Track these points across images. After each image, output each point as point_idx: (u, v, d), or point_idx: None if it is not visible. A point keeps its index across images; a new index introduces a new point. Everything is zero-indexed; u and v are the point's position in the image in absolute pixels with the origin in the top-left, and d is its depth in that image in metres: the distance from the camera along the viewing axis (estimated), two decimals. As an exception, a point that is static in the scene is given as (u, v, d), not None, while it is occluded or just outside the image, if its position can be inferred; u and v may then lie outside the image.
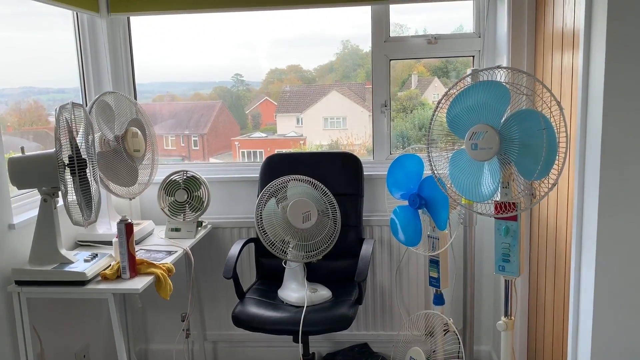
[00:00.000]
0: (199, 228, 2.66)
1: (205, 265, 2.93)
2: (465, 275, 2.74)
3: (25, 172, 1.97)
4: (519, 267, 1.98)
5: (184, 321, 2.88)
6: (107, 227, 2.53)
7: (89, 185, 2.05)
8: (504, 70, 1.84)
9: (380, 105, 2.85)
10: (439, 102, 1.99)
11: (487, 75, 1.87)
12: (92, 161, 2.05)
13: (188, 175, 2.65)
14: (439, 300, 2.54)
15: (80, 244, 2.51)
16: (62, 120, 1.94)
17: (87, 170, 2.04)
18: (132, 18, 2.88)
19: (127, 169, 2.48)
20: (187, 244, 2.53)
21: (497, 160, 1.83)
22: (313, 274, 2.62)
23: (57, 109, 1.95)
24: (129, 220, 2.08)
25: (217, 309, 2.98)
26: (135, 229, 2.55)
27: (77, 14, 2.74)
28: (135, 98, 2.97)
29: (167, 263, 2.22)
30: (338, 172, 2.72)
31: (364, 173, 2.78)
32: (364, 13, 2.76)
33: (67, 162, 1.93)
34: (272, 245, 2.44)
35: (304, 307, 2.35)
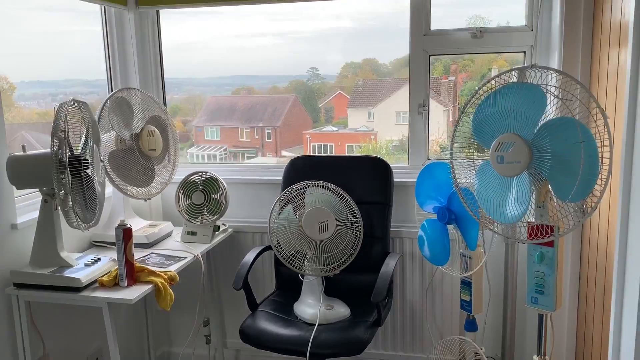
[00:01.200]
0: (216, 232, 2.53)
1: (227, 270, 2.81)
2: (505, 300, 2.45)
3: (25, 172, 1.91)
4: (554, 301, 1.70)
5: (205, 327, 2.78)
6: (121, 228, 2.45)
7: (92, 187, 1.96)
8: (539, 70, 1.55)
9: (418, 105, 2.59)
10: (466, 104, 1.73)
11: (532, 76, 1.58)
12: (92, 161, 1.96)
13: (207, 176, 2.52)
14: (471, 326, 2.27)
15: (95, 244, 2.45)
16: (61, 118, 1.85)
17: (89, 171, 1.96)
18: (182, 11, 2.74)
19: (142, 169, 2.39)
20: (203, 248, 2.41)
21: (527, 177, 1.55)
22: (333, 288, 2.42)
23: (56, 107, 1.86)
24: (128, 225, 1.97)
25: (239, 316, 2.85)
26: (152, 230, 2.46)
27: (104, 7, 2.67)
28: (164, 93, 2.88)
29: (170, 271, 2.09)
30: (365, 178, 2.50)
31: (396, 180, 2.55)
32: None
33: (67, 162, 1.84)
34: (287, 256, 2.27)
35: (311, 325, 2.16)
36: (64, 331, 2.29)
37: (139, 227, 2.50)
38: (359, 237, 2.29)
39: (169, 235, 2.58)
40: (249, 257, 2.40)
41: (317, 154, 2.91)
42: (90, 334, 2.46)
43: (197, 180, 2.52)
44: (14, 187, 2.02)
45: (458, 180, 1.80)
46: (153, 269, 2.07)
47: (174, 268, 2.16)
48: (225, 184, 2.53)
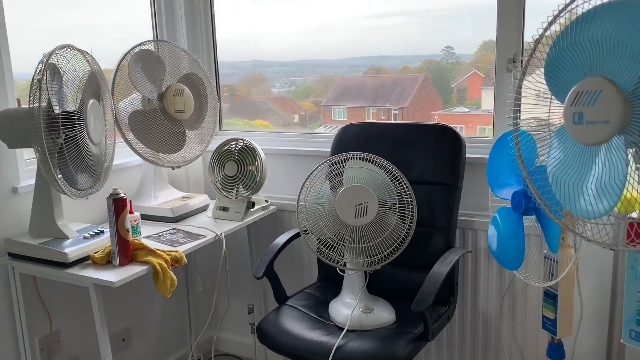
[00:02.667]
0: (250, 209, 2.18)
1: (272, 254, 2.46)
2: (611, 320, 1.81)
3: (14, 128, 1.69)
4: (666, 341, 1.10)
5: (250, 314, 2.46)
6: (148, 200, 2.20)
7: (80, 149, 1.70)
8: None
9: (507, 60, 2.01)
10: (540, 37, 1.18)
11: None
12: (88, 120, 1.69)
13: (244, 144, 2.17)
14: (555, 352, 1.70)
15: (123, 215, 2.22)
16: (45, 68, 1.60)
17: (91, 131, 1.70)
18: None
19: (168, 133, 2.10)
20: (233, 226, 2.08)
21: (622, 145, 0.98)
22: (379, 285, 1.96)
23: (44, 55, 1.61)
24: (121, 194, 1.68)
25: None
26: (181, 203, 2.18)
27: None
28: (216, 56, 2.58)
29: (175, 251, 1.78)
30: (428, 151, 1.98)
31: (471, 155, 2.00)
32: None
33: (41, 118, 1.59)
34: (316, 244, 1.85)
35: (343, 330, 1.73)
36: (82, 308, 2.09)
37: (168, 199, 2.23)
38: (410, 225, 1.80)
39: (203, 209, 2.28)
40: (280, 240, 2.02)
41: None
42: (117, 313, 2.26)
43: (231, 149, 2.18)
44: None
45: (526, 155, 1.26)
46: (154, 247, 1.77)
47: (185, 248, 1.85)
48: (263, 155, 2.16)
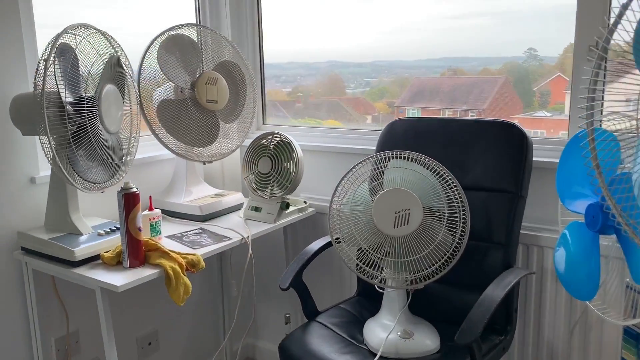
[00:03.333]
0: (284, 211, 1.97)
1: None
2: None
3: (26, 114, 1.57)
4: None
5: (286, 324, 2.27)
6: (179, 196, 2.04)
7: (89, 138, 1.57)
8: None
9: (588, 47, 1.69)
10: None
11: None
12: (101, 107, 1.55)
13: (280, 139, 1.97)
14: (637, 406, 1.37)
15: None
16: (52, 49, 1.47)
17: (99, 117, 1.56)
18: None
19: (198, 125, 1.93)
20: (264, 229, 1.89)
21: None
22: (424, 304, 1.70)
23: (55, 37, 1.47)
24: (133, 189, 1.52)
25: (324, 318, 2.28)
26: (211, 201, 2.02)
27: None
28: (261, 46, 2.41)
29: (192, 254, 1.61)
30: (488, 153, 1.70)
31: (539, 159, 1.70)
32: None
33: (45, 103, 1.45)
34: (347, 254, 1.62)
35: (375, 357, 1.49)
36: (113, 309, 1.96)
37: (200, 195, 2.07)
38: (461, 238, 1.53)
39: (235, 208, 2.10)
40: (312, 247, 1.80)
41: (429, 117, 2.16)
42: (143, 314, 2.13)
43: (266, 144, 1.99)
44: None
45: (605, 160, 0.97)
46: (170, 249, 1.60)
47: (205, 250, 1.67)
48: (300, 151, 1.95)
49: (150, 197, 1.75)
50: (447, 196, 1.55)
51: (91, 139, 1.51)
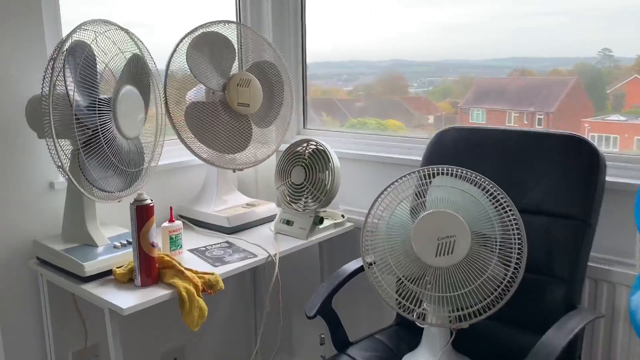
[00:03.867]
0: (318, 226, 1.80)
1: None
2: None
3: (39, 117, 1.46)
4: None
5: (322, 345, 2.10)
6: (208, 205, 1.91)
7: (101, 144, 1.45)
8: None
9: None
10: None
11: None
12: (116, 110, 1.43)
13: (315, 147, 1.80)
14: None
15: (180, 218, 1.96)
16: (60, 46, 1.35)
17: (114, 121, 1.44)
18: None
19: (228, 130, 1.79)
20: (295, 245, 1.73)
21: None
22: (469, 341, 1.48)
23: (70, 33, 1.36)
24: (146, 201, 1.39)
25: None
26: (241, 211, 1.87)
27: None
28: (304, 46, 2.25)
29: (211, 273, 1.46)
30: (553, 171, 1.46)
31: (615, 180, 1.45)
32: None
33: (52, 102, 1.34)
34: (380, 284, 1.42)
35: (408, 408, 1.29)
36: (130, 322, 1.86)
37: (230, 205, 1.94)
38: (515, 270, 1.30)
39: (267, 220, 1.95)
40: (345, 269, 1.62)
41: (488, 126, 1.93)
42: (170, 328, 2.01)
43: (300, 152, 1.82)
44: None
45: None
46: (188, 266, 1.47)
47: (226, 269, 1.52)
48: (336, 161, 1.77)
49: (171, 208, 1.62)
50: (500, 221, 1.33)
51: (103, 146, 1.38)
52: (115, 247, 1.53)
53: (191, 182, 2.04)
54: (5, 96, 1.52)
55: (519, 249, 1.32)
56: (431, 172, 1.40)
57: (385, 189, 1.43)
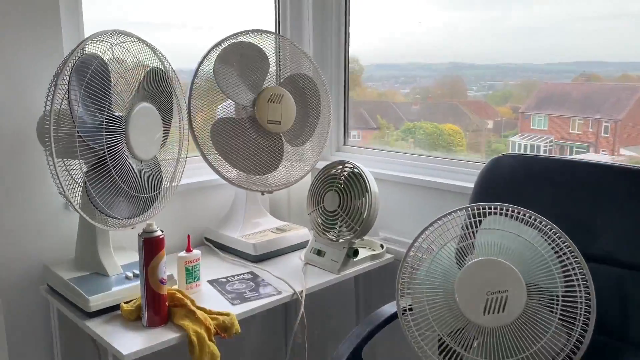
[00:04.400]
0: (352, 259, 1.62)
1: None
2: None
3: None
4: None
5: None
6: (234, 229, 1.76)
7: (120, 165, 1.32)
8: None
9: None
10: None
11: None
12: (129, 127, 1.30)
13: (351, 170, 1.61)
14: None
15: (206, 242, 1.83)
16: (67, 60, 1.23)
17: (124, 142, 1.31)
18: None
19: (257, 149, 1.64)
20: (326, 280, 1.55)
21: None
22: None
23: (80, 44, 1.24)
24: (156, 233, 1.25)
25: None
26: (270, 237, 1.72)
27: None
28: (347, 54, 2.07)
29: (226, 314, 1.31)
30: (628, 212, 1.21)
31: None
32: None
33: (52, 119, 1.22)
34: (417, 336, 1.22)
35: None
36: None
37: (259, 229, 1.78)
38: (581, 333, 1.08)
39: (299, 247, 1.78)
40: (381, 313, 1.42)
41: (549, 154, 1.69)
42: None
43: (335, 174, 1.64)
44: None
45: None
46: (197, 306, 1.31)
47: (242, 309, 1.36)
48: (375, 187, 1.58)
49: (188, 236, 1.48)
50: (563, 272, 1.11)
51: (110, 170, 1.25)
52: (127, 277, 1.40)
53: (219, 201, 1.91)
54: (20, 110, 1.43)
55: (586, 307, 1.09)
56: (482, 210, 1.19)
57: (426, 228, 1.23)
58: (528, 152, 1.69)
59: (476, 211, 1.20)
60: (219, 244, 1.78)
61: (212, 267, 1.62)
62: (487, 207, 1.19)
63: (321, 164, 1.72)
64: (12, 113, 1.41)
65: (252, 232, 1.76)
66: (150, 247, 1.24)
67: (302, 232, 1.80)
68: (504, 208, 1.17)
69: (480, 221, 1.19)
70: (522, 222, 1.15)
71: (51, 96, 1.15)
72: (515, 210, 1.16)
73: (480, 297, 1.10)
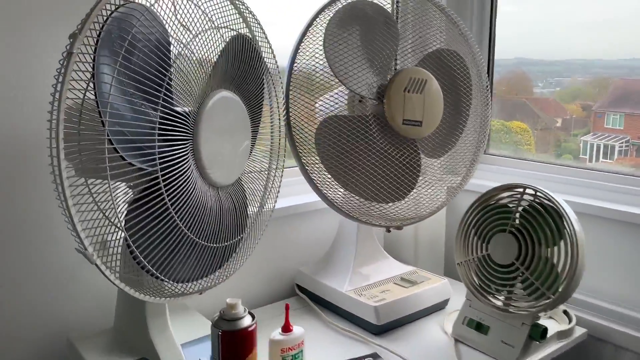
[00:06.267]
0: (536, 342, 1.02)
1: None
2: None
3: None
4: None
5: None
6: (340, 278, 1.21)
7: (185, 197, 0.79)
8: None
9: None
10: None
11: None
12: (199, 132, 0.76)
13: (537, 198, 1.02)
14: None
15: (298, 290, 1.29)
16: (82, 25, 0.70)
17: (194, 154, 0.78)
18: None
19: (383, 163, 1.07)
20: (494, 374, 0.97)
21: None
22: None
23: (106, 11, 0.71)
24: (244, 321, 0.71)
25: None
26: (397, 295, 1.16)
27: None
28: (492, 31, 1.49)
29: None
30: None
31: None
32: None
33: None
34: None
35: None
36: None
37: (376, 279, 1.22)
38: None
39: (436, 308, 1.21)
40: None
41: None
42: None
43: (509, 206, 1.05)
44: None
45: None
46: None
47: None
48: (578, 227, 0.98)
49: (287, 306, 0.93)
50: None
51: (167, 205, 0.72)
52: (190, 369, 0.87)
53: (315, 233, 1.36)
54: (28, 106, 0.92)
55: None
56: None
57: None
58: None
59: None
60: (313, 296, 1.23)
61: (313, 339, 1.07)
62: None
63: (475, 187, 1.14)
64: (13, 113, 0.91)
65: (365, 285, 1.20)
66: (234, 344, 0.70)
67: (440, 286, 1.22)
68: None
69: None
70: None
71: (62, 77, 0.62)
72: None
73: None
